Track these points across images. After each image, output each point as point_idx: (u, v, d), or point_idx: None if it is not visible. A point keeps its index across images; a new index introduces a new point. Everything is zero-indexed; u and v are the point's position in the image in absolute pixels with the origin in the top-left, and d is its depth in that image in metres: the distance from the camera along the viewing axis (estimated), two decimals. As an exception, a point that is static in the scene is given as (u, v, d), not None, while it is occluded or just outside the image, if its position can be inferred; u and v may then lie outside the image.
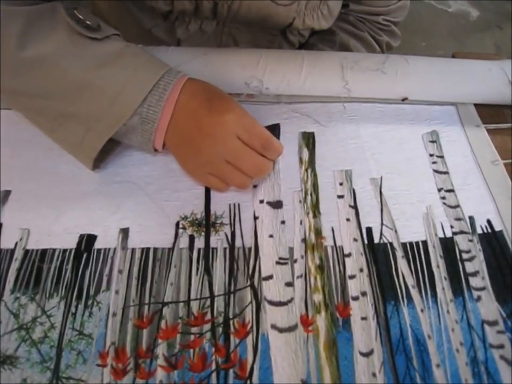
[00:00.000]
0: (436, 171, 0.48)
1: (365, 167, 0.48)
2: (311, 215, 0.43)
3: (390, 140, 0.51)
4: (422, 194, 0.46)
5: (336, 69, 0.52)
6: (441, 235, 0.43)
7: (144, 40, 0.50)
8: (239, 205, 0.44)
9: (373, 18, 0.66)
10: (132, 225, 0.41)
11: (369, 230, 0.43)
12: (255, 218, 0.43)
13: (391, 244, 0.42)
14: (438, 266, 0.41)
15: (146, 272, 0.39)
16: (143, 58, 0.40)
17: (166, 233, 0.41)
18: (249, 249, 0.41)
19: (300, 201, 0.44)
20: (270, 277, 0.39)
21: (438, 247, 0.43)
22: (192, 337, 0.36)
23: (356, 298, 0.39)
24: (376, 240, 0.42)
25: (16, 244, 0.40)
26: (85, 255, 0.40)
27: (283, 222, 0.43)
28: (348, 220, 0.44)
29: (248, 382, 0.34)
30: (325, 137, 0.50)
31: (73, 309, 0.37)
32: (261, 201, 0.44)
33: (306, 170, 0.47)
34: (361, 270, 0.40)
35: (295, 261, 0.41)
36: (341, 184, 0.46)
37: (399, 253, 0.42)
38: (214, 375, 0.34)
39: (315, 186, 0.46)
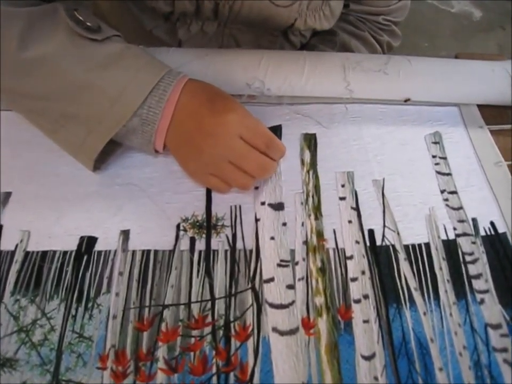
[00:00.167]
0: (438, 172, 0.48)
1: (367, 168, 0.47)
2: (312, 217, 0.43)
3: (392, 141, 0.50)
4: (425, 196, 0.46)
5: (338, 70, 0.51)
6: (444, 237, 0.43)
7: (145, 41, 0.50)
8: (240, 206, 0.44)
9: (373, 18, 0.66)
10: (132, 227, 0.41)
11: (371, 232, 0.43)
12: (257, 220, 0.43)
13: (393, 246, 0.42)
14: (440, 268, 0.41)
15: (147, 275, 0.39)
16: (144, 60, 0.40)
17: (167, 235, 0.41)
18: (250, 251, 0.41)
19: (302, 203, 0.44)
20: (271, 280, 0.39)
21: (441, 249, 0.42)
22: (192, 340, 0.36)
23: (357, 301, 0.39)
24: (378, 242, 0.42)
25: (16, 245, 0.40)
26: (85, 257, 0.39)
27: (284, 224, 0.43)
28: (349, 221, 0.43)
29: (249, 385, 0.34)
30: (326, 139, 0.50)
31: (73, 311, 0.37)
32: (263, 203, 0.44)
33: (308, 172, 0.47)
34: (363, 273, 0.40)
35: (297, 263, 0.40)
36: (342, 186, 0.46)
37: (402, 255, 0.41)
38: (214, 378, 0.34)
39: (317, 188, 0.45)
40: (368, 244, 0.42)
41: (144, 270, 0.39)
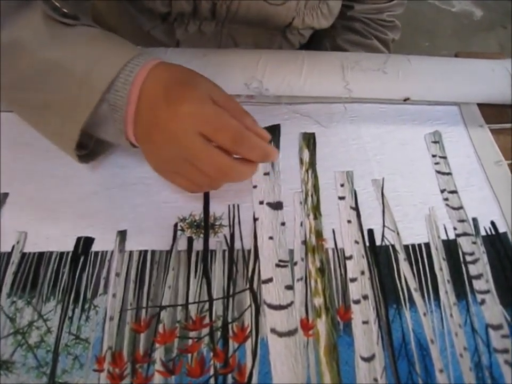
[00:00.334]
0: (438, 172, 0.48)
1: (367, 168, 0.47)
2: (311, 216, 0.43)
3: (391, 140, 0.50)
4: (425, 196, 0.45)
5: (337, 70, 0.51)
6: (444, 237, 0.43)
7: (143, 42, 0.50)
8: (238, 205, 0.43)
9: (378, 16, 0.65)
10: (129, 227, 0.41)
11: (370, 232, 0.42)
12: (255, 219, 0.42)
13: (393, 246, 0.42)
14: (441, 269, 0.41)
15: (144, 275, 0.39)
16: (115, 42, 0.37)
17: (164, 235, 0.41)
18: (249, 251, 0.40)
19: (301, 203, 0.44)
20: (269, 280, 0.39)
21: (441, 249, 0.42)
22: (190, 341, 0.36)
23: (357, 302, 0.38)
24: (378, 242, 0.42)
25: (13, 247, 0.39)
26: (82, 258, 0.39)
27: (283, 224, 0.42)
28: (349, 221, 0.43)
29: (247, 387, 0.34)
30: (325, 138, 0.49)
31: (70, 313, 0.36)
32: (261, 202, 0.43)
33: (307, 171, 0.46)
34: (362, 273, 0.40)
35: (295, 263, 0.40)
36: (342, 185, 0.46)
37: (401, 256, 0.41)
38: (212, 380, 0.34)
39: (316, 187, 0.45)
40: (367, 244, 0.42)
41: (141, 270, 0.39)
